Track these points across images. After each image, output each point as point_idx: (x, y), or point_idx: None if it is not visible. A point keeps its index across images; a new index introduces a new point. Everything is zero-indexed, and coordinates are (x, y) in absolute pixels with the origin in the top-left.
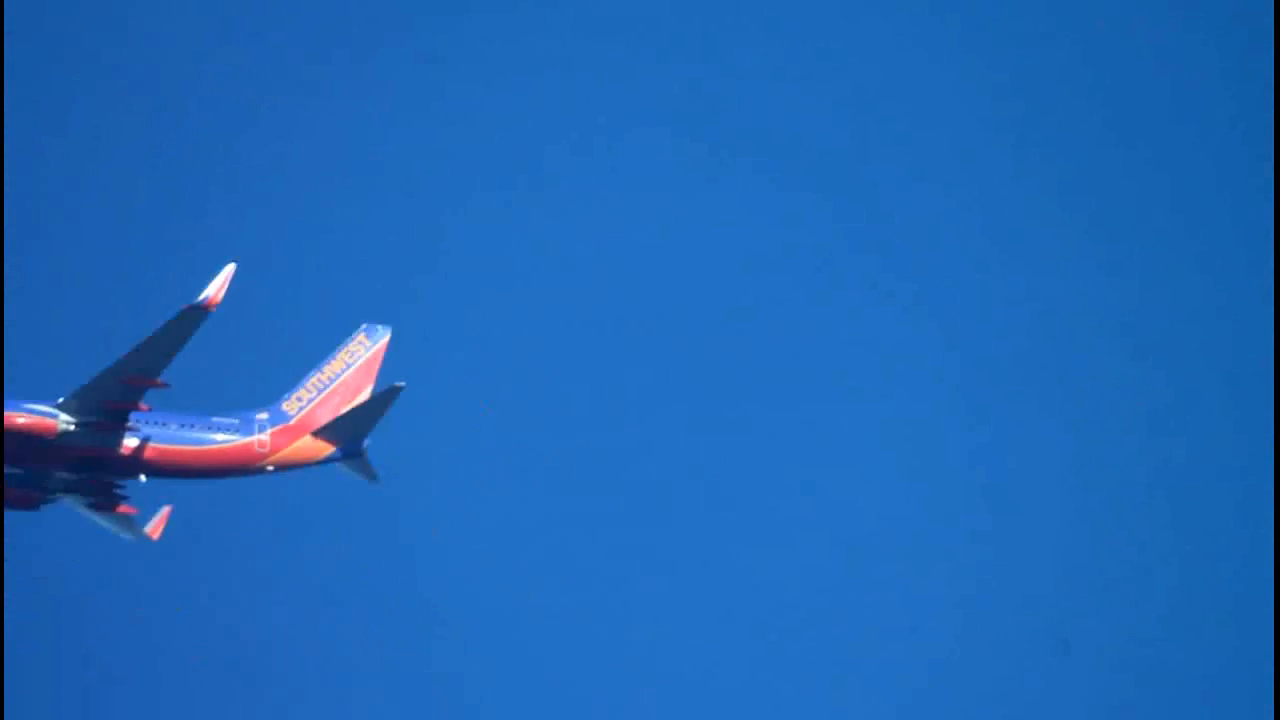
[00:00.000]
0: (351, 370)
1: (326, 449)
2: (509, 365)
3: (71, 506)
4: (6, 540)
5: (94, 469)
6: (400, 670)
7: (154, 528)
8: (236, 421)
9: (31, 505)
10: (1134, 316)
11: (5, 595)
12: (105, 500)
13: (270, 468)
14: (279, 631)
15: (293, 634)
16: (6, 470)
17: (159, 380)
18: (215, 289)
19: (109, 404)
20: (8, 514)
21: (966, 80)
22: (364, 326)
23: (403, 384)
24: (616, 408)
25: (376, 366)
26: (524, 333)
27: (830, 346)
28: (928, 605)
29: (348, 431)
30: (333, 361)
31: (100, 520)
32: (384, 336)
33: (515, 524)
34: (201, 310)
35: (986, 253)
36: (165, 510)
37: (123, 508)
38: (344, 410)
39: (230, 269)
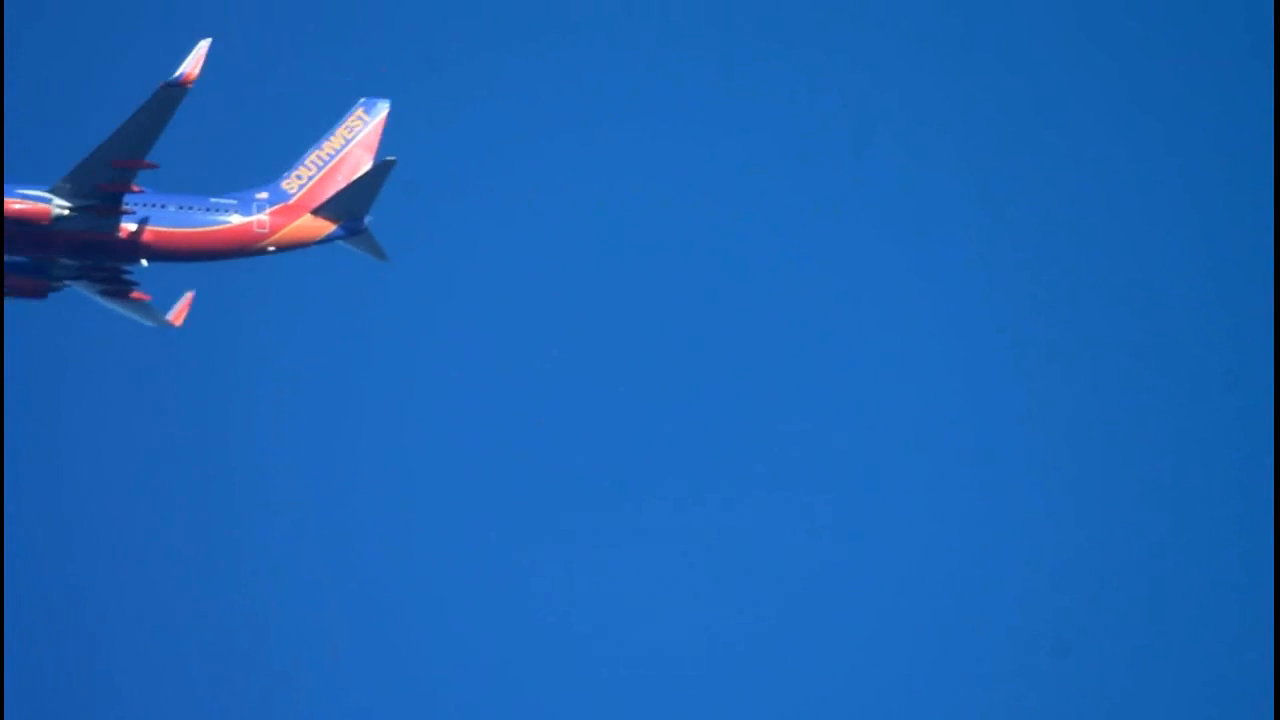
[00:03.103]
0: (351, 145)
1: (328, 227)
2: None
3: (83, 292)
4: (13, 326)
5: (94, 254)
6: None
7: (176, 314)
8: (235, 202)
9: (39, 294)
10: (1133, 315)
11: (10, 382)
12: (116, 287)
13: (271, 248)
14: (296, 427)
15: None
16: (10, 259)
17: (146, 161)
18: (190, 65)
19: (101, 186)
20: (17, 302)
21: (966, 80)
22: (362, 101)
23: (394, 159)
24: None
25: (376, 141)
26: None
27: (830, 345)
28: (927, 605)
29: (346, 208)
30: (331, 138)
31: (116, 307)
32: (383, 110)
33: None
34: (178, 87)
35: (986, 252)
36: (188, 296)
37: (136, 294)
38: (336, 186)
39: (205, 44)
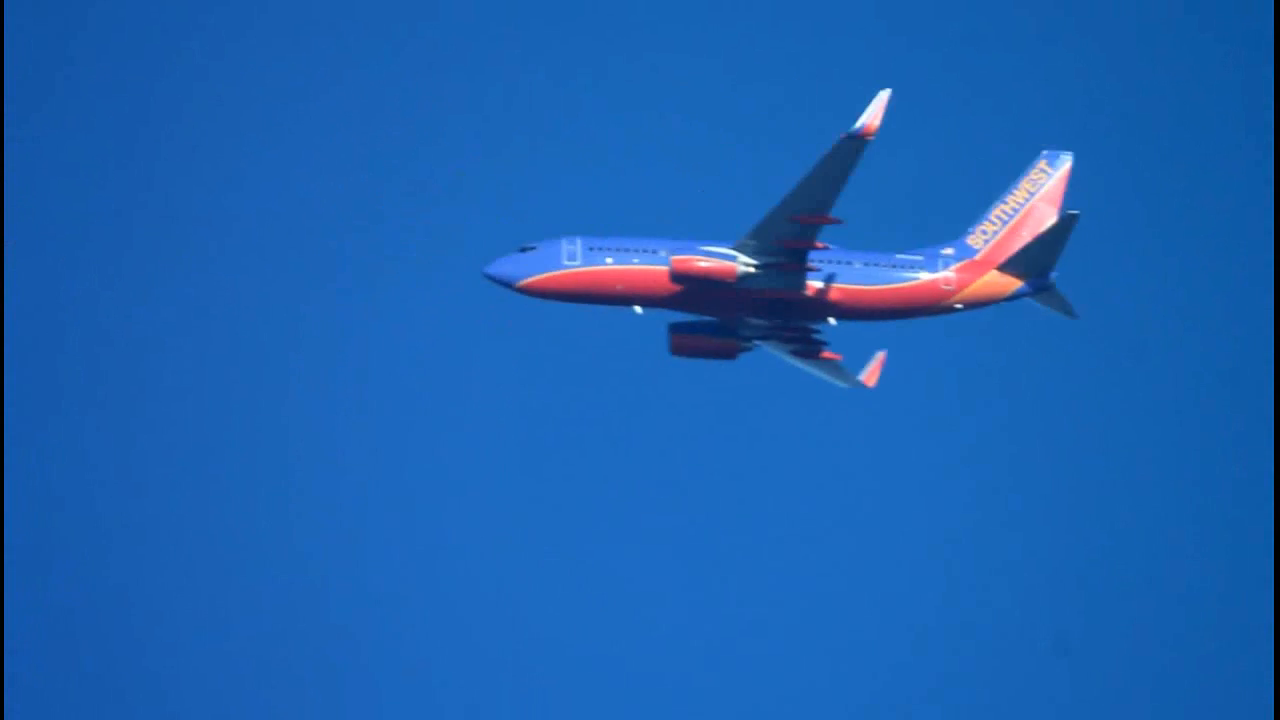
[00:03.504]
0: (1035, 199)
1: (1014, 283)
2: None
3: (773, 353)
4: (712, 384)
5: (781, 312)
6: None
7: (869, 374)
8: (921, 258)
9: (730, 354)
10: (1133, 314)
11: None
12: (805, 347)
13: (959, 305)
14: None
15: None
16: (699, 320)
17: (829, 216)
18: (870, 116)
19: (784, 243)
20: (708, 363)
21: (966, 79)
22: (1044, 153)
23: (1077, 212)
24: None
25: (1060, 194)
26: None
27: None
28: (927, 605)
29: (1032, 264)
30: (1015, 191)
31: (807, 367)
32: (1066, 163)
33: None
34: (858, 139)
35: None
36: (880, 356)
37: (826, 353)
38: (1026, 242)
39: (885, 94)
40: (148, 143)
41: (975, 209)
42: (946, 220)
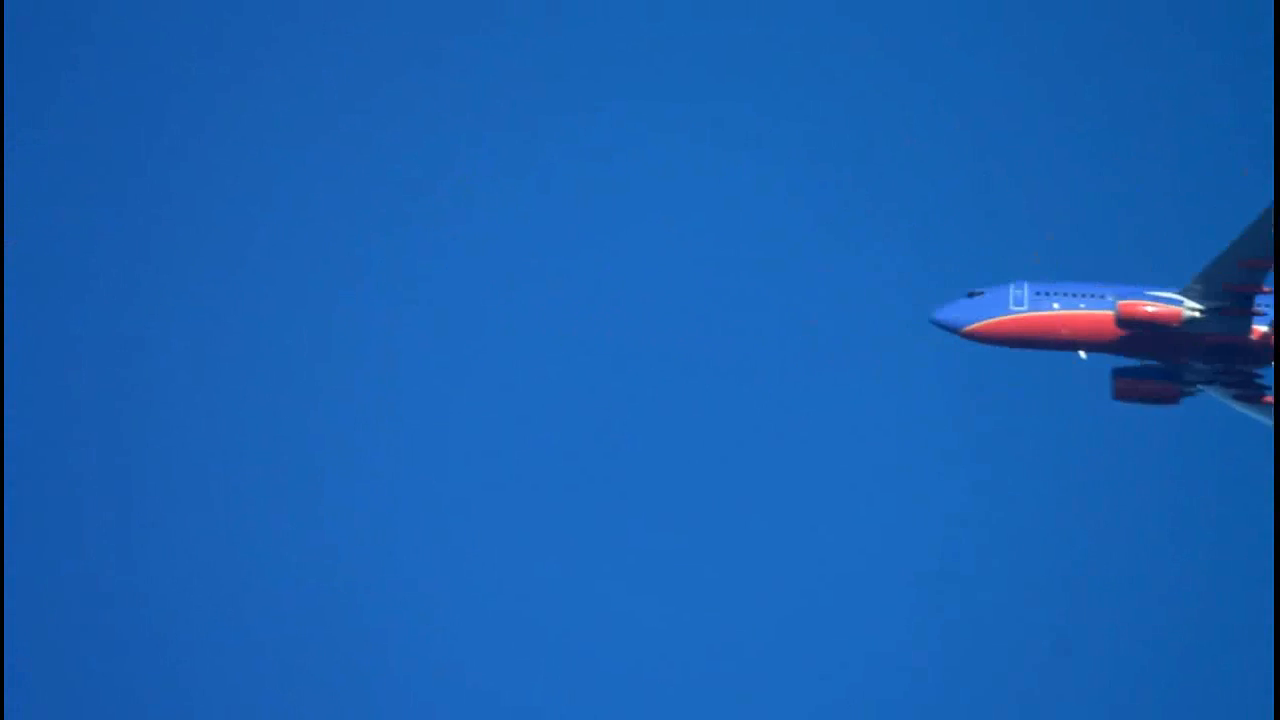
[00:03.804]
0: None
1: None
2: None
3: (1216, 397)
4: (1146, 432)
5: (1223, 357)
6: None
7: None
8: None
9: (1172, 399)
10: None
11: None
12: (1248, 391)
13: None
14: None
15: None
16: (1145, 365)
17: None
18: None
19: (1230, 287)
20: (1150, 409)
21: (966, 79)
22: None
23: None
24: None
25: None
26: None
27: (830, 342)
28: (927, 605)
29: None
30: None
31: (1250, 412)
32: None
33: None
34: None
35: (987, 251)
36: None
37: (1267, 398)
38: None
39: None
40: (147, 142)
41: None
42: None
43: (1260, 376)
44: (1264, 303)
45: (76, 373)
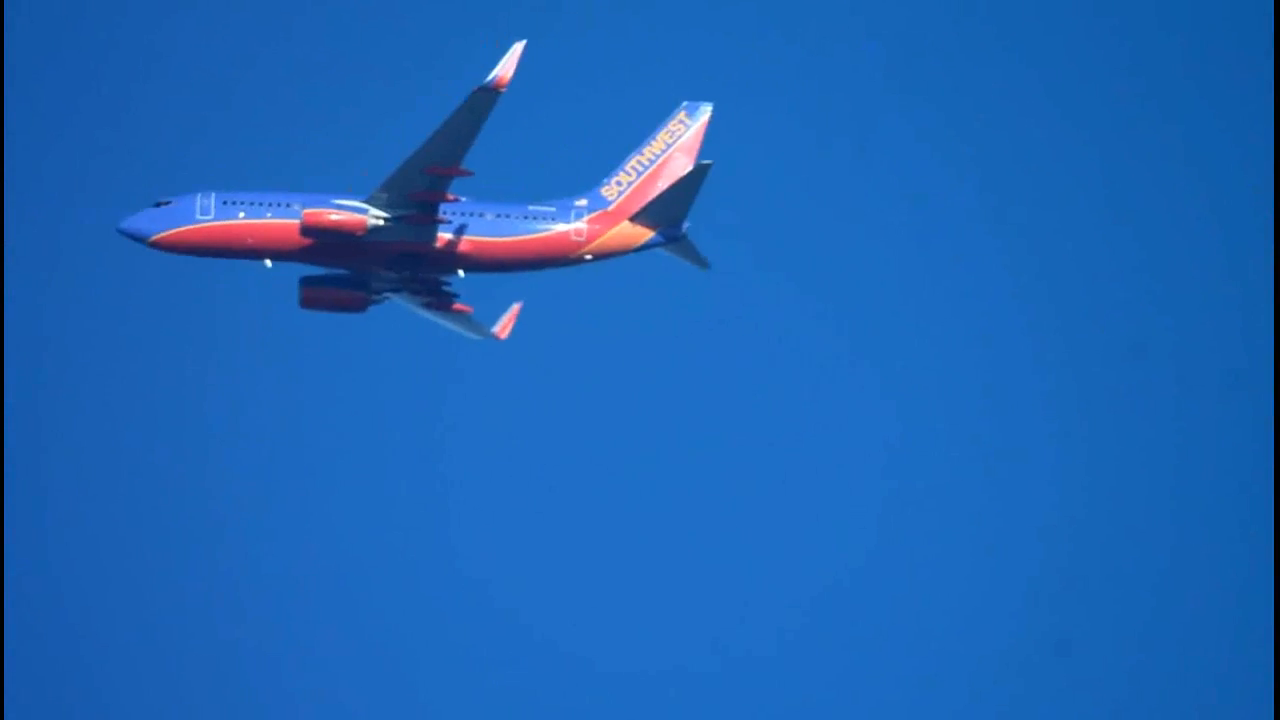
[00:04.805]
0: (672, 150)
1: (645, 234)
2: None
3: (405, 305)
4: (340, 340)
5: (410, 265)
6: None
7: (502, 326)
8: (553, 210)
9: (359, 307)
10: (1133, 313)
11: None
12: (436, 299)
13: (588, 256)
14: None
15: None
16: (329, 272)
17: (460, 168)
18: (503, 68)
19: (415, 195)
20: (337, 317)
21: (966, 78)
22: (684, 104)
23: (710, 162)
24: None
25: (697, 145)
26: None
27: (830, 341)
28: (927, 605)
29: (663, 214)
30: (653, 143)
31: (439, 319)
32: (705, 114)
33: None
34: (491, 91)
35: (988, 250)
36: (515, 307)
37: (458, 306)
38: (654, 193)
39: (519, 47)
40: (147, 142)
41: (613, 159)
42: (586, 170)
43: (448, 284)
44: (451, 210)
45: (75, 371)
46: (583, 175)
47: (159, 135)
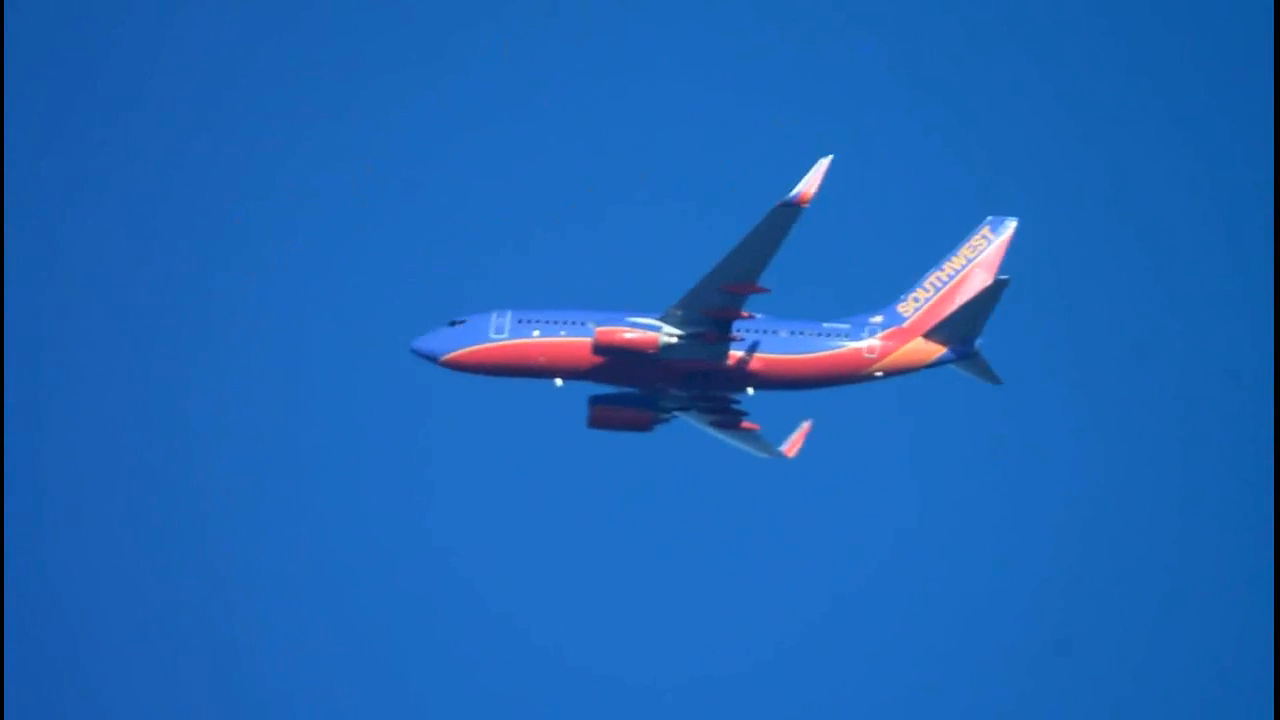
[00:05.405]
0: (972, 265)
1: (937, 350)
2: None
3: (692, 423)
4: (627, 459)
5: (701, 383)
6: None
7: (791, 445)
8: (847, 326)
9: (645, 426)
10: (1133, 314)
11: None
12: (725, 417)
13: (879, 373)
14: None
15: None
16: (619, 391)
17: (757, 285)
18: (807, 184)
19: (710, 312)
20: (624, 435)
21: (967, 79)
22: (988, 219)
23: (1007, 278)
24: None
25: (998, 261)
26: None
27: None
28: (927, 605)
29: (957, 331)
30: (953, 258)
31: (727, 438)
32: (1009, 229)
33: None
34: (793, 207)
35: None
36: (805, 426)
37: (745, 424)
38: (951, 309)
39: (824, 162)
40: (146, 141)
41: (913, 275)
42: (890, 287)
43: (737, 402)
44: (741, 328)
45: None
46: (881, 289)
47: (159, 135)
